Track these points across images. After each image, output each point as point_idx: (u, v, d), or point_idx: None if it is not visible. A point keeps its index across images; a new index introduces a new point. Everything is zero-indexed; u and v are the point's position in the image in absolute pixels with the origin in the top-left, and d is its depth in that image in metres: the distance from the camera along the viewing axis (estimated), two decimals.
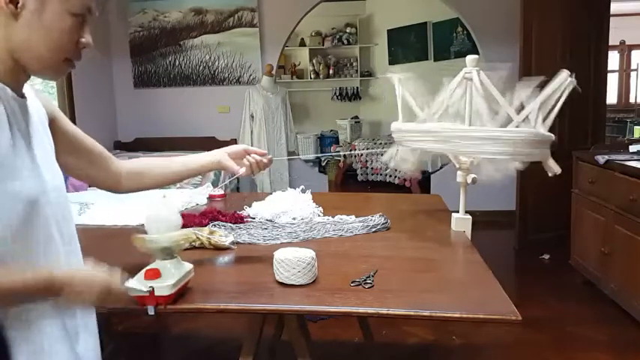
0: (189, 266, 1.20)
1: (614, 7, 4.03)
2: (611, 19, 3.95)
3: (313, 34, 7.32)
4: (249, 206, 1.94)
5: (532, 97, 1.54)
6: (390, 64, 6.92)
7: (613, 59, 6.33)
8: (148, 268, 1.13)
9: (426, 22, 6.43)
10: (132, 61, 4.88)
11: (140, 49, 4.86)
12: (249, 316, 1.59)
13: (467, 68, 1.63)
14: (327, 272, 1.31)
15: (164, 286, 1.10)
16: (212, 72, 4.85)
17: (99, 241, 1.72)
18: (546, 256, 3.70)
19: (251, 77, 4.81)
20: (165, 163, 1.30)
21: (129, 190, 1.22)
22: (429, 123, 1.66)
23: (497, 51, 4.28)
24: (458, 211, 1.73)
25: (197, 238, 1.54)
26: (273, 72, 4.61)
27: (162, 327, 2.76)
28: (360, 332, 2.23)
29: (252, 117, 4.49)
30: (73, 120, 4.08)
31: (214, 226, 1.71)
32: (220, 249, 1.53)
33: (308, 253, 1.25)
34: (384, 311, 1.12)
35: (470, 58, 1.64)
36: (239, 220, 1.80)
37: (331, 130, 7.35)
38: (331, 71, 7.40)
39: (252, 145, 4.44)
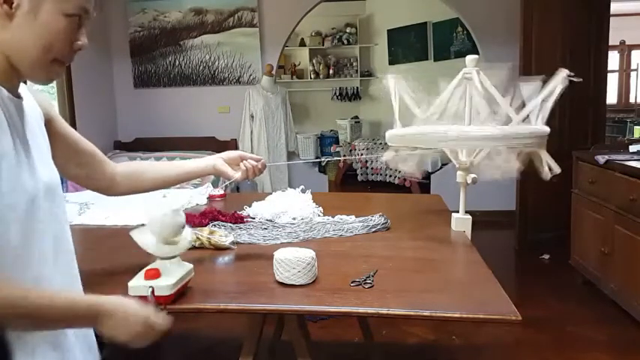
0: (189, 266, 1.21)
1: (614, 7, 4.03)
2: (611, 19, 3.95)
3: (313, 34, 7.32)
4: (249, 206, 1.94)
5: (532, 96, 1.54)
6: (390, 64, 6.92)
7: (613, 59, 6.33)
8: (147, 268, 1.13)
9: (426, 22, 6.43)
10: (132, 61, 4.88)
11: (140, 49, 4.86)
12: (249, 316, 1.59)
13: (466, 68, 1.63)
14: (327, 272, 1.31)
15: (164, 286, 1.10)
16: (212, 72, 4.85)
17: (99, 241, 1.72)
18: (546, 256, 3.70)
19: (251, 77, 4.81)
20: (160, 167, 1.31)
21: (122, 193, 1.22)
22: (423, 126, 1.66)
23: (497, 51, 4.28)
24: (458, 211, 1.73)
25: (197, 238, 1.54)
26: (273, 72, 4.61)
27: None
28: (360, 332, 2.23)
29: (252, 117, 4.50)
30: (73, 120, 4.08)
31: (214, 226, 1.71)
32: (220, 249, 1.53)
33: (308, 253, 1.26)
34: (384, 311, 1.12)
35: (470, 58, 1.64)
36: (239, 220, 1.80)
37: (331, 130, 7.34)
38: (331, 71, 7.40)
39: (252, 145, 4.48)
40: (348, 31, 7.29)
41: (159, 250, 1.13)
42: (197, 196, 2.19)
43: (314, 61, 7.39)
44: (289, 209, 1.83)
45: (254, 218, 1.85)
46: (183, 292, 1.18)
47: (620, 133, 5.10)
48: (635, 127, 4.84)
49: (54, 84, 4.00)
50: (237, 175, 1.32)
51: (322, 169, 6.46)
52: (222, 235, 1.57)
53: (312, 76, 7.42)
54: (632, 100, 7.00)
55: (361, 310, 1.15)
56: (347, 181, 6.38)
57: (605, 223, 2.88)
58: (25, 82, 0.89)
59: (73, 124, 4.10)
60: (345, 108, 7.47)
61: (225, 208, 1.96)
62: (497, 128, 1.51)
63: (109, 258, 1.52)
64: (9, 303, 0.74)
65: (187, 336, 2.63)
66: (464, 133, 1.51)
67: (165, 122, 4.89)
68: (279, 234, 1.65)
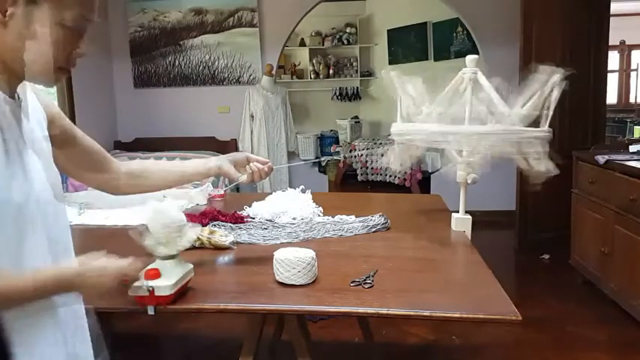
0: (189, 266, 1.21)
1: (614, 7, 4.03)
2: (611, 19, 3.95)
3: (313, 34, 7.32)
4: (249, 206, 1.94)
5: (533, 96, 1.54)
6: (390, 64, 6.92)
7: (613, 59, 6.32)
8: (148, 268, 1.13)
9: (426, 22, 6.42)
10: (132, 61, 4.88)
11: (140, 49, 4.86)
12: (249, 316, 1.59)
13: (466, 68, 1.63)
14: (327, 272, 1.31)
15: (164, 286, 1.10)
16: (212, 72, 4.85)
17: (99, 241, 1.72)
18: (546, 256, 3.70)
19: (251, 77, 4.80)
20: (164, 167, 1.29)
21: (126, 193, 1.22)
22: (428, 123, 1.67)
23: (497, 51, 4.28)
24: (458, 211, 1.73)
25: (197, 238, 1.54)
26: (273, 72, 4.61)
27: (162, 327, 2.76)
28: (360, 332, 2.23)
29: (252, 117, 4.50)
30: (73, 120, 4.08)
31: (214, 226, 1.71)
32: (220, 249, 1.53)
33: (308, 253, 1.26)
34: (384, 311, 1.12)
35: (470, 58, 1.64)
36: (239, 220, 1.80)
37: (331, 130, 7.34)
38: (331, 71, 7.40)
39: (252, 145, 4.48)
40: (348, 31, 7.29)
41: (158, 250, 1.13)
42: (197, 196, 2.19)
43: (314, 61, 7.39)
44: (289, 209, 1.83)
45: (254, 218, 1.85)
46: (183, 292, 1.18)
47: (620, 133, 5.10)
48: (635, 127, 4.84)
49: None
50: (242, 177, 1.30)
51: (322, 169, 6.46)
52: (222, 235, 1.57)
53: (312, 76, 7.42)
54: (632, 100, 7.00)
55: (361, 310, 1.15)
56: (347, 181, 6.37)
57: (605, 223, 2.88)
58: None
59: (73, 124, 4.10)
60: (345, 108, 7.47)
61: (225, 208, 1.96)
62: (498, 125, 1.52)
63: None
64: None
65: (187, 336, 2.63)
66: (467, 129, 1.51)
67: (165, 122, 4.89)
68: (279, 234, 1.65)
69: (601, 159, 2.86)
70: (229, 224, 1.75)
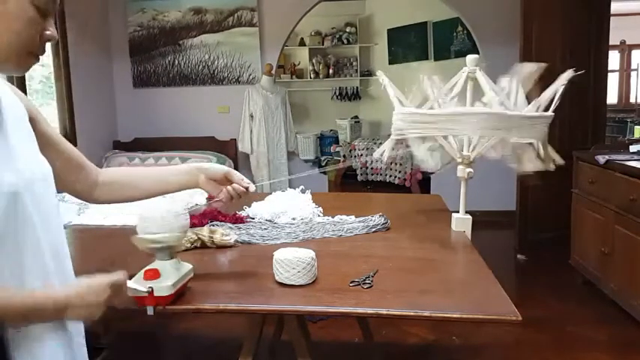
0: (188, 266, 1.20)
1: (614, 7, 4.03)
2: (611, 19, 3.95)
3: (313, 33, 7.31)
4: (249, 206, 1.94)
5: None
6: (389, 63, 6.92)
7: (613, 59, 6.31)
8: (147, 268, 1.12)
9: (426, 22, 6.42)
10: (131, 60, 4.87)
11: (139, 48, 4.85)
12: (249, 316, 1.59)
13: (466, 67, 1.63)
14: (327, 272, 1.31)
15: (163, 287, 1.10)
16: (211, 72, 4.85)
17: (98, 241, 1.72)
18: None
19: (251, 77, 4.80)
20: (141, 178, 1.22)
21: (103, 202, 1.18)
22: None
23: (498, 51, 4.28)
24: (458, 211, 1.73)
25: (197, 238, 1.54)
26: (273, 72, 4.61)
27: (162, 327, 2.76)
28: (360, 332, 2.23)
29: (252, 117, 4.49)
30: (72, 120, 4.08)
31: (213, 225, 1.71)
32: (223, 247, 1.53)
33: (308, 254, 1.25)
34: (383, 311, 1.12)
35: (470, 58, 1.64)
36: (239, 220, 1.80)
37: (331, 130, 7.34)
38: (331, 71, 7.40)
39: (252, 145, 4.48)
40: (348, 30, 7.29)
41: (157, 250, 1.12)
42: (197, 196, 2.19)
43: (314, 60, 7.39)
44: (289, 209, 1.83)
45: (253, 218, 1.85)
46: (182, 292, 1.18)
47: (620, 133, 5.10)
48: (635, 127, 4.84)
49: (52, 84, 4.00)
50: (220, 196, 1.24)
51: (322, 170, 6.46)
52: (224, 234, 1.57)
53: (312, 76, 7.42)
54: (632, 100, 6.99)
55: (361, 310, 1.15)
56: (347, 181, 6.37)
57: (605, 223, 2.88)
58: None
59: (72, 124, 4.10)
60: (344, 108, 7.47)
61: (225, 209, 1.95)
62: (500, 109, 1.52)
63: (107, 258, 1.51)
64: None
65: (187, 336, 2.63)
66: (469, 109, 1.51)
67: (165, 122, 4.89)
68: (278, 234, 1.65)
69: (601, 159, 2.86)
70: (228, 224, 1.75)
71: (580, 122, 3.83)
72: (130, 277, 1.12)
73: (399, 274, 1.35)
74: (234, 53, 4.78)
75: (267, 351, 2.21)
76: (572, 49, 3.72)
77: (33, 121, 0.96)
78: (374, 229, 1.69)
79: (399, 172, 5.89)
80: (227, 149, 4.69)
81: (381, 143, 5.94)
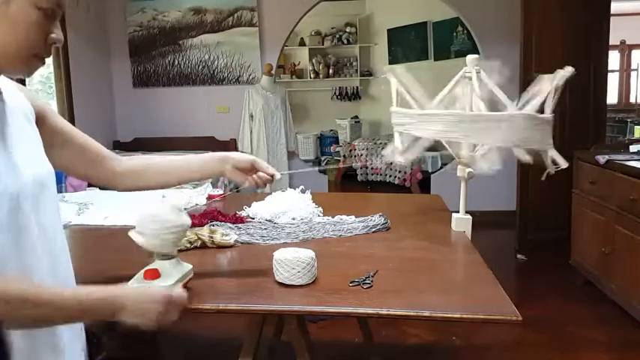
0: (188, 266, 1.20)
1: (614, 7, 4.02)
2: (611, 19, 3.94)
3: (313, 33, 7.31)
4: (249, 206, 1.94)
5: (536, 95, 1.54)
6: (389, 63, 6.92)
7: (613, 59, 6.31)
8: (147, 268, 1.12)
9: (426, 22, 6.42)
10: (131, 60, 4.87)
11: (139, 48, 4.85)
12: (249, 316, 1.59)
13: (467, 67, 1.62)
14: (327, 272, 1.30)
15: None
16: (211, 72, 4.85)
17: (98, 241, 1.71)
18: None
19: (250, 77, 4.80)
20: (166, 165, 1.23)
21: (125, 189, 1.19)
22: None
23: (498, 50, 4.28)
24: (458, 211, 1.73)
25: (197, 238, 1.54)
26: (273, 71, 4.61)
27: (162, 327, 2.76)
28: (360, 333, 2.23)
29: (252, 117, 4.49)
30: (72, 120, 4.08)
31: (213, 225, 1.71)
32: (223, 247, 1.53)
33: (308, 254, 1.25)
34: (383, 312, 1.12)
35: (470, 58, 1.64)
36: (239, 220, 1.80)
37: (331, 130, 7.34)
38: (331, 71, 7.40)
39: (251, 145, 4.47)
40: (347, 30, 7.29)
41: (156, 251, 1.12)
42: (197, 196, 2.19)
43: (314, 60, 7.39)
44: (289, 209, 1.83)
45: (254, 218, 1.84)
46: None
47: (620, 133, 5.08)
48: (635, 127, 4.83)
49: (52, 84, 3.99)
50: (246, 184, 1.26)
51: (322, 170, 6.46)
52: (224, 234, 1.57)
53: (312, 76, 7.42)
54: (632, 99, 6.99)
55: (361, 310, 1.15)
56: (347, 182, 6.37)
57: (605, 223, 2.88)
58: None
59: (72, 124, 4.08)
60: (344, 108, 7.47)
61: (225, 209, 1.95)
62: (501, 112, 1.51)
63: (108, 258, 1.51)
64: (19, 299, 0.74)
65: (187, 336, 2.63)
66: (466, 113, 1.50)
67: (165, 122, 4.89)
68: (278, 234, 1.65)
69: (601, 159, 2.86)
70: (228, 224, 1.74)
71: (580, 122, 3.83)
72: (130, 277, 1.12)
73: (399, 274, 1.35)
74: (234, 53, 4.78)
75: (267, 351, 2.21)
76: (572, 49, 3.72)
77: (42, 118, 0.97)
78: (374, 229, 1.69)
79: (399, 172, 5.89)
80: (227, 149, 4.62)
81: (381, 143, 5.96)
